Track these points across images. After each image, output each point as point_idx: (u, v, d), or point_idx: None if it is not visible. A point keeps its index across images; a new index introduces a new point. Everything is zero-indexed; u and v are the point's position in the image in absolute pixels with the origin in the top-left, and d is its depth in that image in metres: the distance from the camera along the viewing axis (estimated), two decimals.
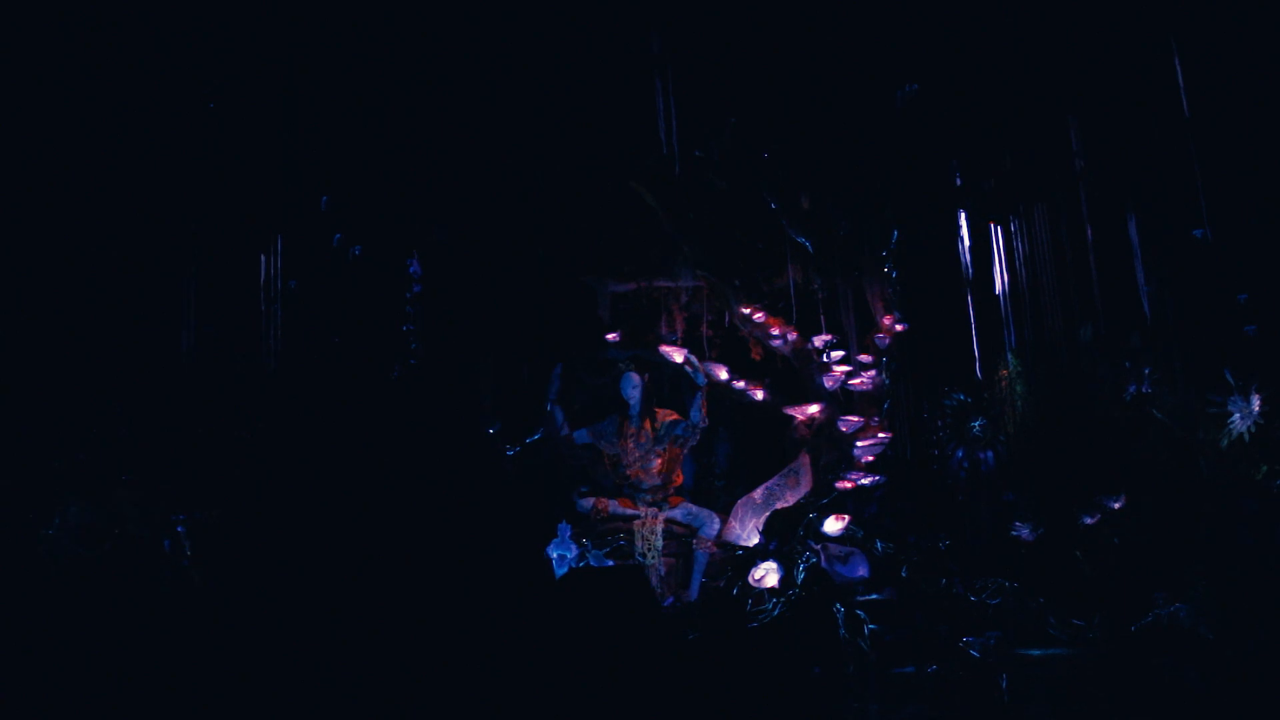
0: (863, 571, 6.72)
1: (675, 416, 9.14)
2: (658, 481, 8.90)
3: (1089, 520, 7.74)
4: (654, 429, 9.01)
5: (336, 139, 8.26)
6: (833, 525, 7.08)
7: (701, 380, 9.01)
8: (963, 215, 8.68)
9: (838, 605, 6.32)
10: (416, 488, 8.96)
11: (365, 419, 9.07)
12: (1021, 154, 8.37)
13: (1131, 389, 8.09)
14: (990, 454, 8.83)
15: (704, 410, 8.99)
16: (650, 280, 9.48)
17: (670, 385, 10.44)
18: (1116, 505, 7.71)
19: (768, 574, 6.67)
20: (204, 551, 8.00)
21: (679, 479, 9.11)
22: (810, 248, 7.83)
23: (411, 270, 8.55)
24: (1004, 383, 8.95)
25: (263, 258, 8.63)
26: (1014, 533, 8.05)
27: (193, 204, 8.40)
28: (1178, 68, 6.82)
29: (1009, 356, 8.76)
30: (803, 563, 6.81)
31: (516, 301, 9.30)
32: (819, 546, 6.84)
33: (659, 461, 8.93)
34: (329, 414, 9.03)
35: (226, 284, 8.85)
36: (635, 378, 9.14)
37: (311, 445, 9.05)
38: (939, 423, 9.16)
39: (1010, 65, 7.92)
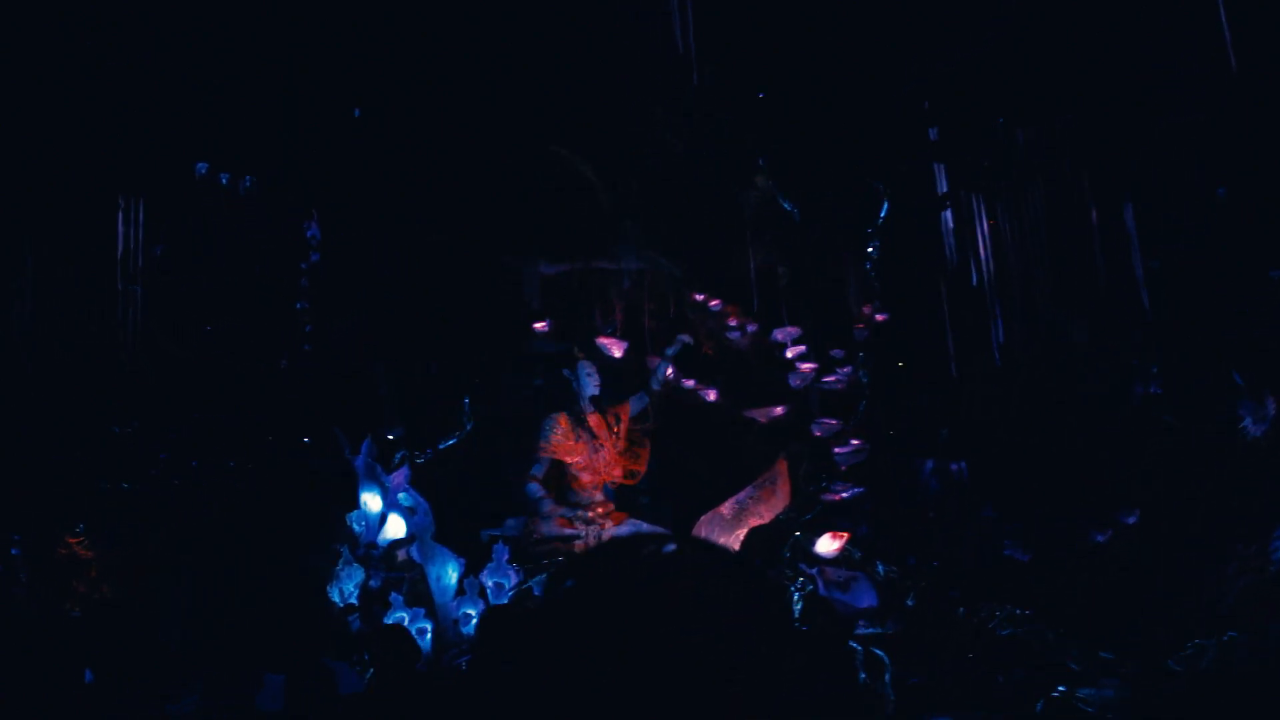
0: (869, 600, 5.55)
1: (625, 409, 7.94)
2: (605, 493, 7.72)
3: (1101, 538, 6.77)
4: (615, 423, 7.74)
5: (218, 81, 6.73)
6: (828, 545, 5.89)
7: (657, 385, 7.90)
8: (947, 198, 7.67)
9: (854, 644, 5.12)
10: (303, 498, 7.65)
11: (245, 421, 7.62)
12: (1016, 135, 7.43)
13: (1139, 390, 7.19)
14: (964, 465, 7.93)
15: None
16: (587, 262, 8.11)
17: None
18: (1131, 521, 6.77)
19: None
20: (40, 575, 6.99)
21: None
22: (797, 216, 6.66)
23: (309, 235, 6.94)
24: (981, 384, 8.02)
25: (120, 223, 7.06)
26: (1007, 553, 7.05)
27: (33, 155, 6.80)
28: (1227, 32, 5.91)
29: (995, 353, 7.79)
30: (797, 590, 5.60)
31: (429, 283, 7.87)
32: (814, 571, 5.64)
33: (623, 463, 7.71)
34: (201, 415, 7.58)
35: (74, 255, 7.32)
36: (590, 365, 7.78)
37: (179, 455, 7.60)
38: (889, 432, 8.24)
39: (1010, 44, 7.03)
